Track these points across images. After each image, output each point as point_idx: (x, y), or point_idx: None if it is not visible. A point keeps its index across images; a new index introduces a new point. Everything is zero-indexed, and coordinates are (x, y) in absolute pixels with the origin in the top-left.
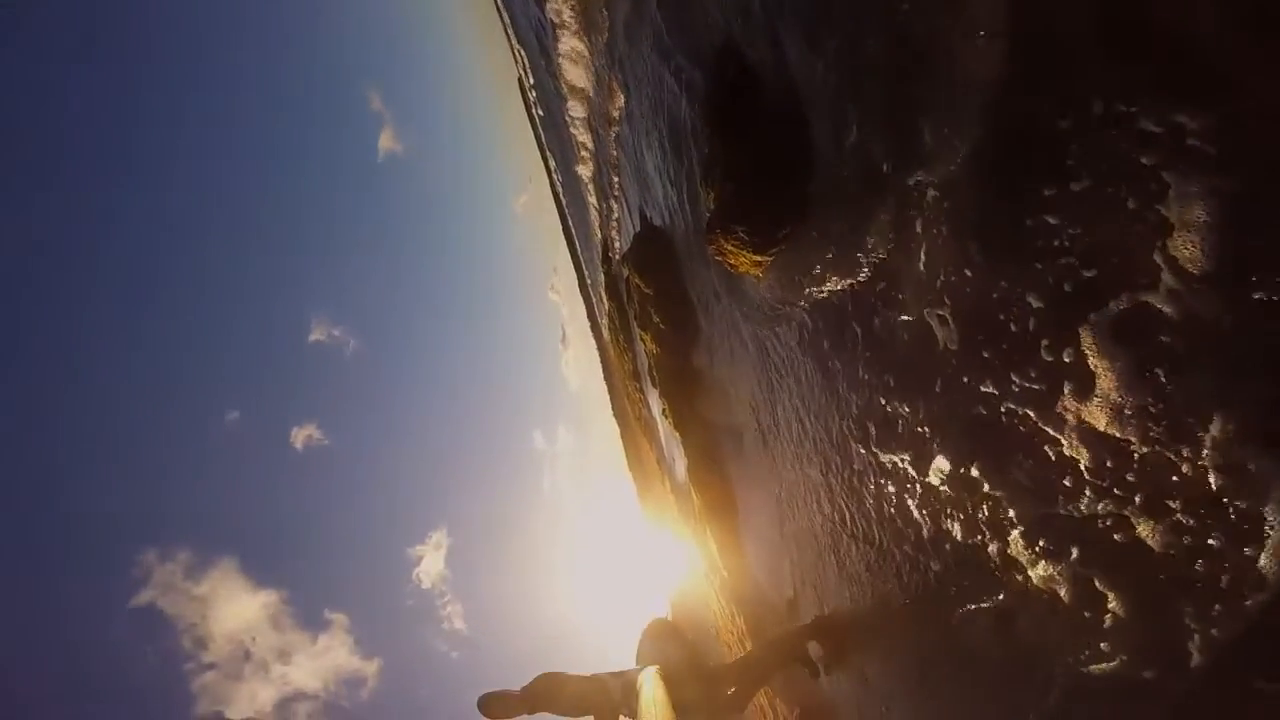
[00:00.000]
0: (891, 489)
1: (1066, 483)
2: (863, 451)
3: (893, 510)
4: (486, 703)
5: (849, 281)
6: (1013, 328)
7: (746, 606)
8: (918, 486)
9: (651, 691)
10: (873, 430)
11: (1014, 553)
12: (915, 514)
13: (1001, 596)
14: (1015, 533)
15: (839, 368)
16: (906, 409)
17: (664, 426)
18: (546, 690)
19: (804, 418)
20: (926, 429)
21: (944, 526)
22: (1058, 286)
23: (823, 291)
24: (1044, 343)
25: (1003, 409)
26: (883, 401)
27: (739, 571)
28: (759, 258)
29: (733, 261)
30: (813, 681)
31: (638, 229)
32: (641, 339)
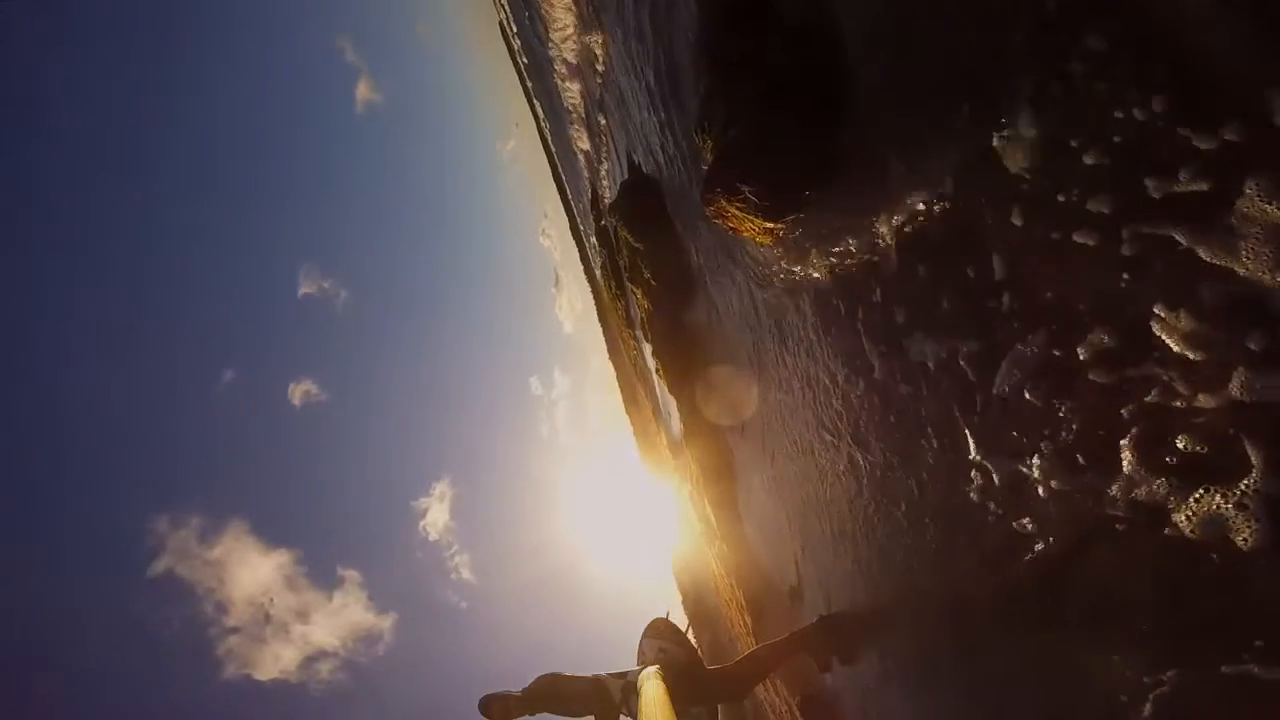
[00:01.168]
0: (917, 480)
1: None
2: (895, 443)
3: (919, 498)
4: (487, 704)
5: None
6: None
7: (746, 581)
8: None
9: (652, 691)
10: (911, 423)
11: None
12: (947, 502)
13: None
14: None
15: (870, 357)
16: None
17: (659, 384)
18: (547, 691)
19: (820, 402)
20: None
21: (979, 517)
22: None
23: (849, 265)
24: None
25: None
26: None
27: (738, 545)
28: (770, 225)
29: (735, 226)
30: (817, 672)
31: (626, 177)
32: (633, 293)
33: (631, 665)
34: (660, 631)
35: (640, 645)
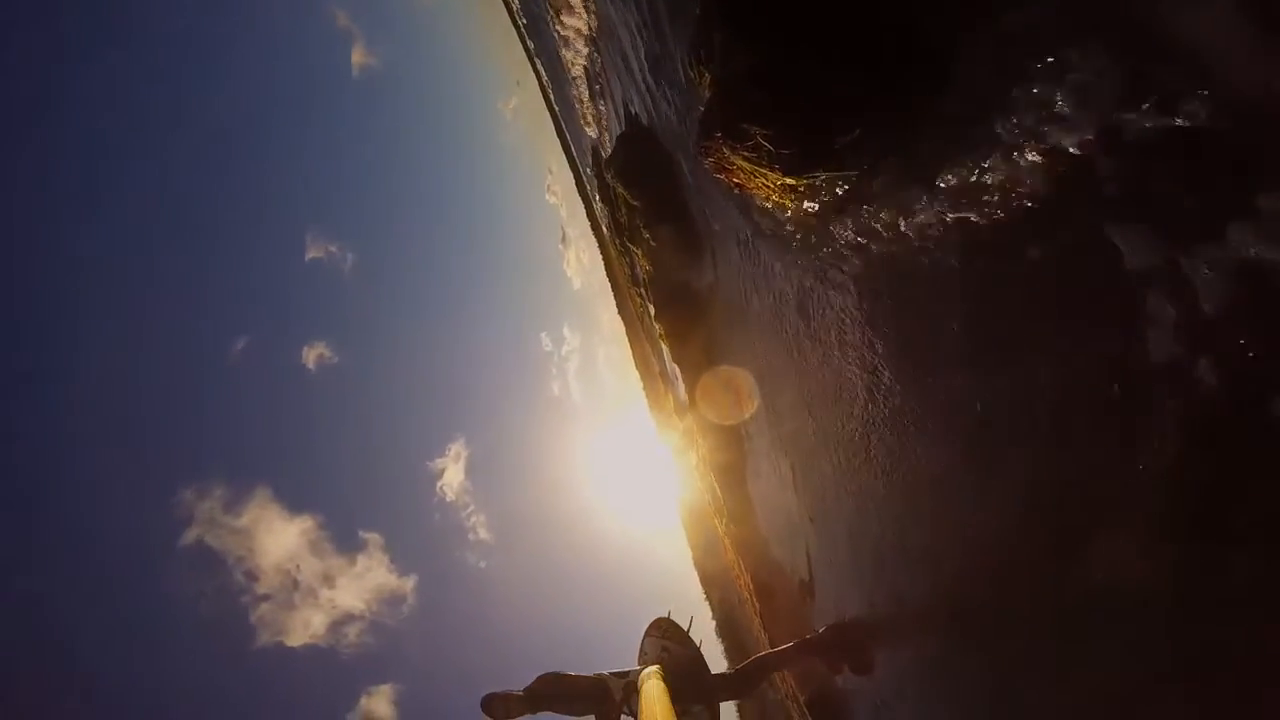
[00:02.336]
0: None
1: None
2: (938, 459)
3: (950, 503)
4: (489, 703)
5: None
6: None
7: (754, 565)
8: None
9: (652, 691)
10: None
11: None
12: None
13: None
14: None
15: (926, 353)
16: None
17: (664, 348)
18: (549, 690)
19: (855, 405)
20: None
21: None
22: None
23: (900, 236)
24: None
25: None
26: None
27: (747, 524)
28: (792, 181)
29: (741, 183)
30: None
31: (622, 128)
32: (633, 253)
33: (634, 654)
34: (663, 631)
35: (642, 644)
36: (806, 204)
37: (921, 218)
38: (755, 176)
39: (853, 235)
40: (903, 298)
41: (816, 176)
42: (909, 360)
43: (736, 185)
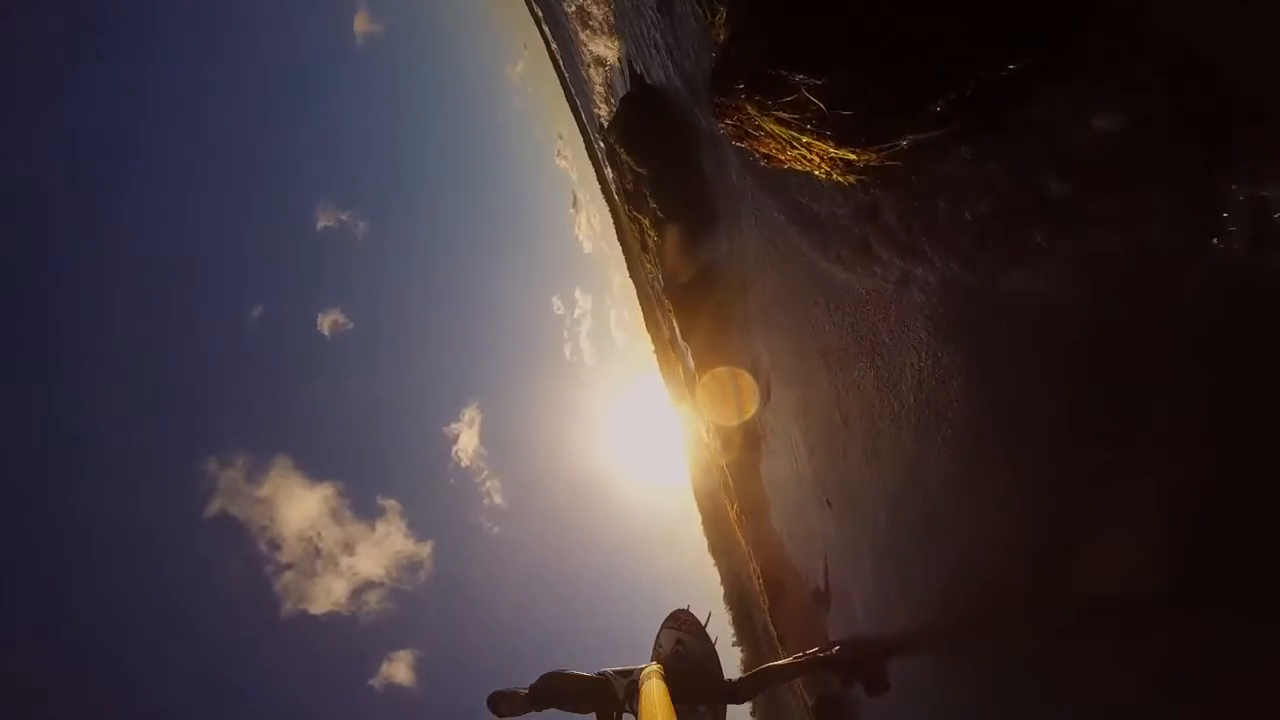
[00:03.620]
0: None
1: None
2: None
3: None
4: (495, 702)
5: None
6: None
7: (765, 561)
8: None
9: (653, 691)
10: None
11: None
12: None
13: None
14: None
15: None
16: None
17: (674, 320)
18: (552, 688)
19: (904, 407)
20: None
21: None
22: None
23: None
24: None
25: None
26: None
27: (759, 515)
28: (853, 155)
29: (771, 152)
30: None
31: (628, 90)
32: (640, 221)
33: (643, 625)
34: (680, 624)
35: (658, 635)
36: (872, 184)
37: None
38: (793, 146)
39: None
40: (988, 352)
41: (896, 145)
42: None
43: (764, 156)
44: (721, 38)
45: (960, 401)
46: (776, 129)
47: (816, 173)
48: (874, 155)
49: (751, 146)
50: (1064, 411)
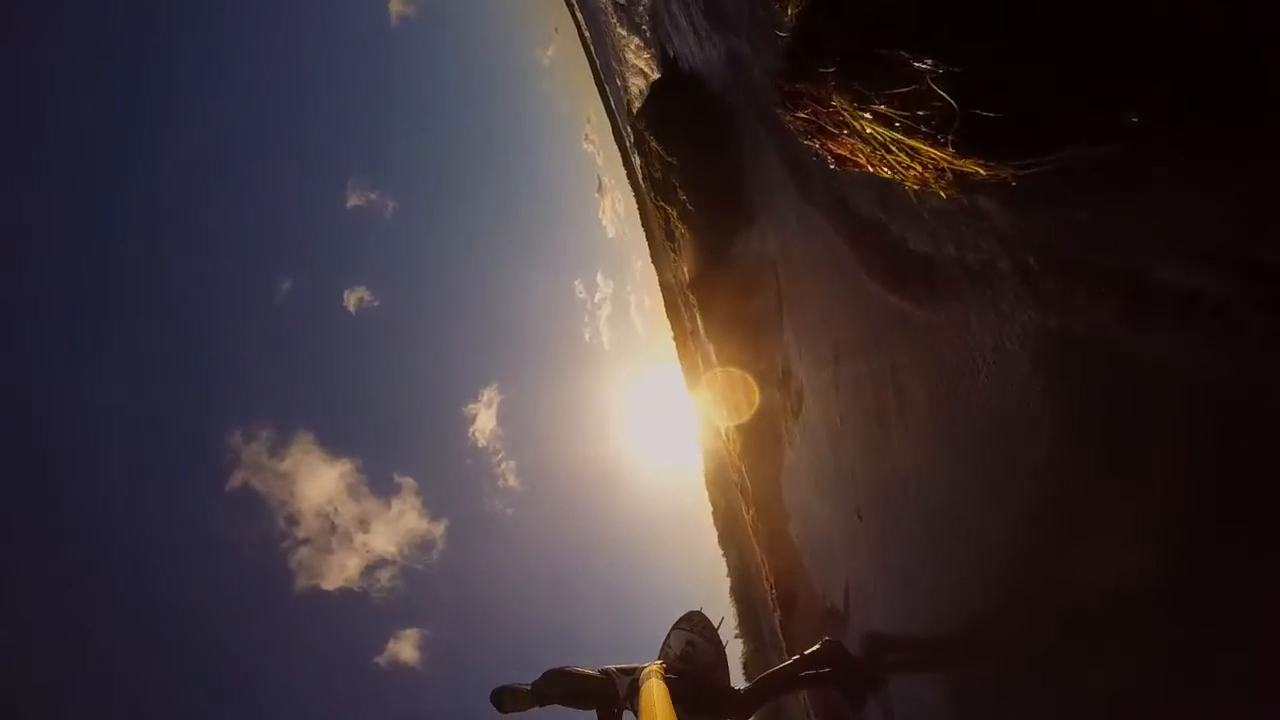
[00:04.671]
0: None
1: None
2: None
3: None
4: (498, 697)
5: None
6: None
7: (779, 569)
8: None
9: (653, 691)
10: None
11: None
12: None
13: None
14: None
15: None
16: None
17: (698, 316)
18: (555, 685)
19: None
20: None
21: None
22: None
23: None
24: None
25: None
26: None
27: (776, 522)
28: (980, 168)
29: (847, 154)
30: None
31: (659, 75)
32: (666, 212)
33: (651, 613)
34: (693, 625)
35: (668, 635)
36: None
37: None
38: (888, 150)
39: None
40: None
41: (1042, 164)
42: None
43: (837, 159)
44: (794, 7)
45: (1032, 463)
46: (873, 128)
47: (908, 183)
48: (1010, 171)
49: (825, 147)
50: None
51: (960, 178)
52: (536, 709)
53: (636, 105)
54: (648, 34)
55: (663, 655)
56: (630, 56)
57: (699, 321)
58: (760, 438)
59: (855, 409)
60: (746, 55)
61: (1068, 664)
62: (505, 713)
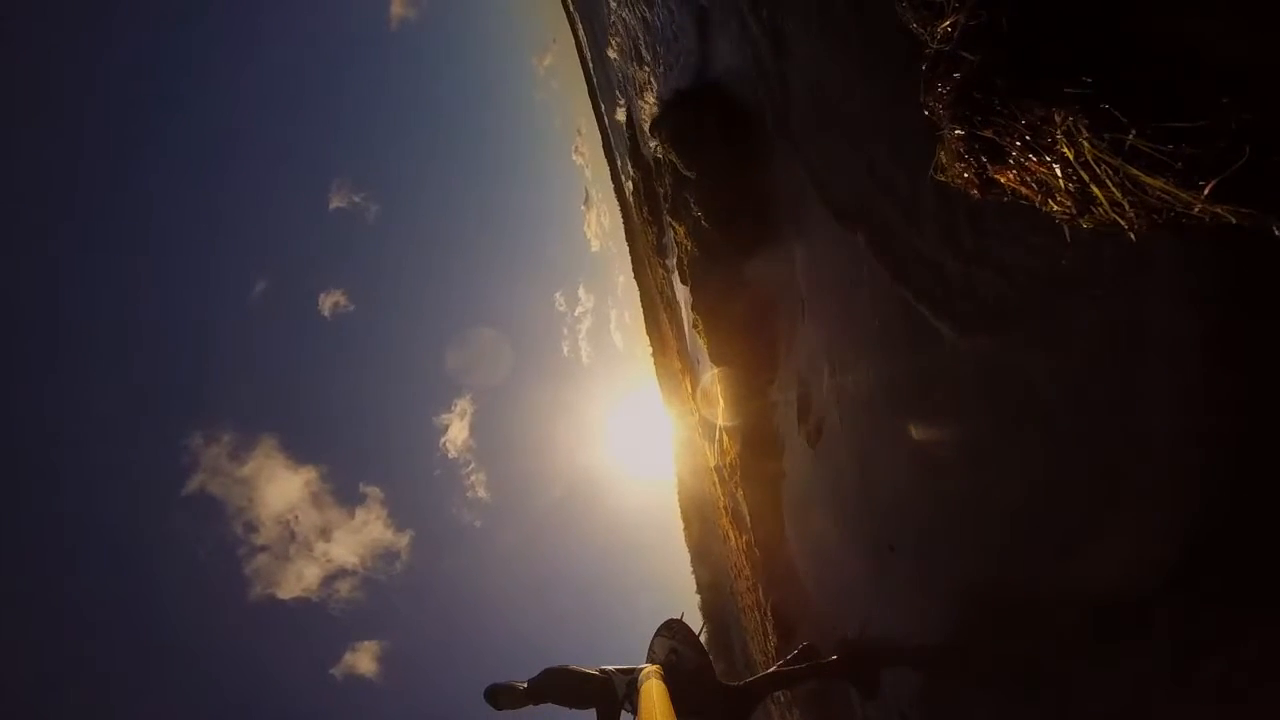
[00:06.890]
0: None
1: None
2: None
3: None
4: (494, 695)
5: None
6: None
7: (779, 599)
8: None
9: (652, 690)
10: None
11: None
12: None
13: None
14: None
15: None
16: None
17: (691, 334)
18: (552, 683)
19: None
20: None
21: None
22: None
23: None
24: None
25: None
26: None
27: (776, 551)
28: (1195, 201)
29: (1007, 180)
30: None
31: (682, 84)
32: (672, 228)
33: (626, 626)
34: (674, 633)
35: (652, 643)
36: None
37: None
38: (1091, 184)
39: None
40: None
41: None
42: None
43: (986, 182)
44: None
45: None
46: (1102, 156)
47: (1084, 221)
48: (1224, 209)
49: (980, 170)
50: None
51: (1151, 213)
52: (530, 706)
53: (630, 114)
54: (659, 37)
55: (649, 661)
56: (635, 68)
57: (701, 343)
58: (764, 465)
59: (891, 446)
60: (799, 65)
61: None
62: (500, 710)
